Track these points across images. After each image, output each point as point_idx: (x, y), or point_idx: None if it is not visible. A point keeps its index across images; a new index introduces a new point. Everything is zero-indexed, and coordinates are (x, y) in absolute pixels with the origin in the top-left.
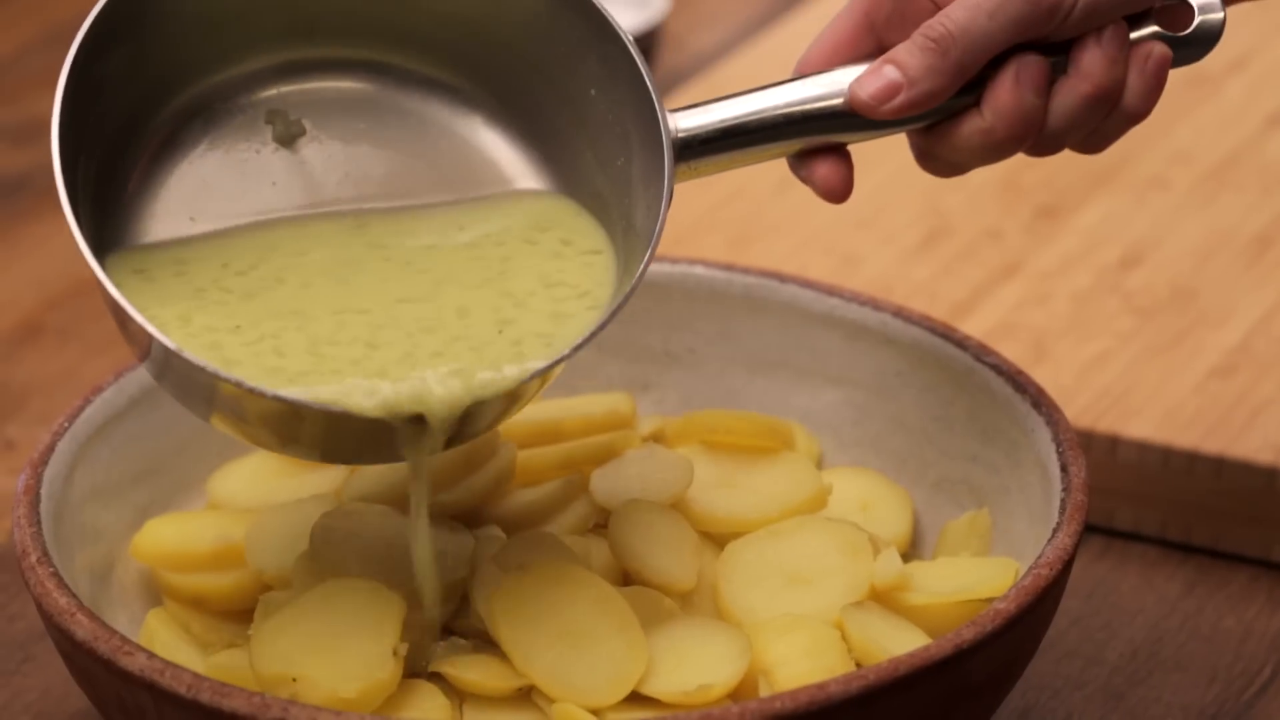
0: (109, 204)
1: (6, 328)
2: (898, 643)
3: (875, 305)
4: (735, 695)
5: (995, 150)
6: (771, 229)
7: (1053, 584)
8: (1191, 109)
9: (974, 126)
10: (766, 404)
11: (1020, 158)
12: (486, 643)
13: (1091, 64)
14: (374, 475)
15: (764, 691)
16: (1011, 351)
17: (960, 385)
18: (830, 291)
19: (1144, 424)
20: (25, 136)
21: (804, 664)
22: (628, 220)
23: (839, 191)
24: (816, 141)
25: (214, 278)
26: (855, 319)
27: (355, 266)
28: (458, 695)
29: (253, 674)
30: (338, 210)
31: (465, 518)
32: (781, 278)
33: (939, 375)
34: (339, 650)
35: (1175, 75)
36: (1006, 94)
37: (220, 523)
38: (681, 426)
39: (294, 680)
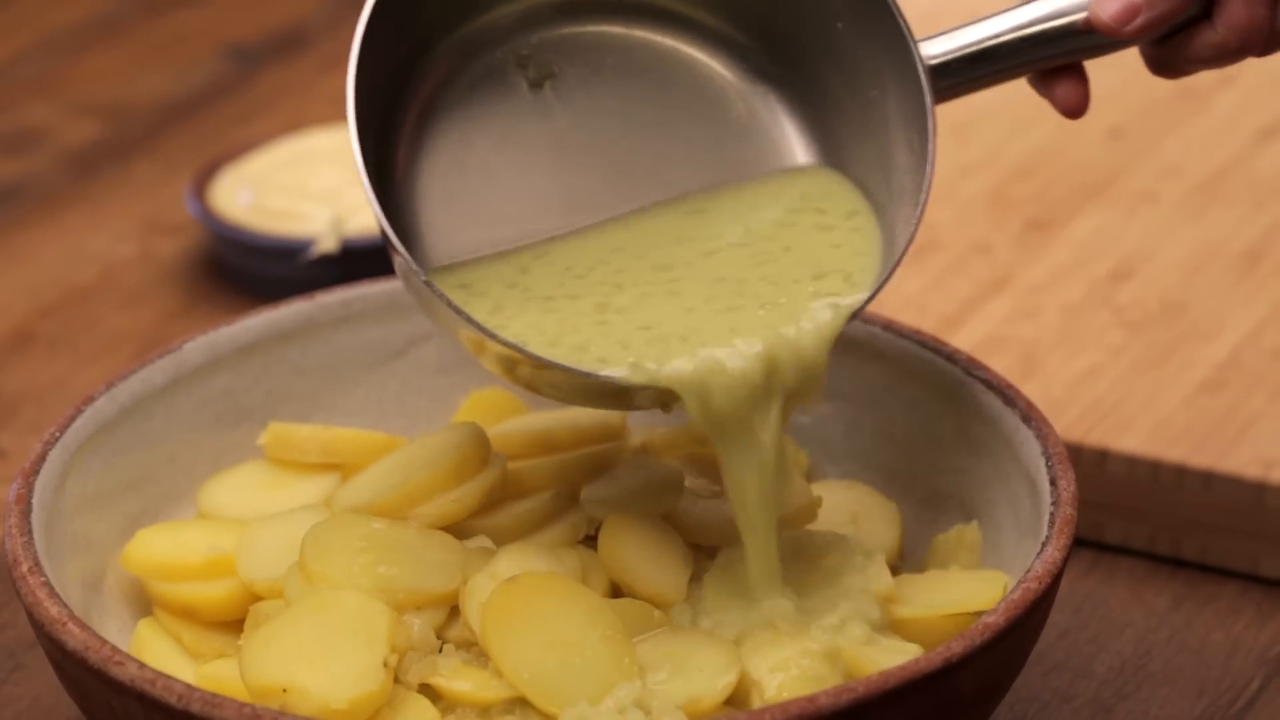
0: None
1: None
2: (887, 655)
3: (865, 319)
4: (725, 707)
5: (1227, 58)
6: None
7: (1042, 597)
8: (1181, 122)
9: (1206, 40)
10: None
11: (1009, 170)
12: (477, 654)
13: None
14: (364, 486)
15: (754, 704)
16: (1001, 365)
17: (950, 399)
18: None
19: (1133, 438)
20: (18, 145)
21: (793, 676)
22: (887, 164)
23: (1078, 108)
24: (1058, 60)
25: (550, 289)
26: (846, 332)
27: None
28: (448, 706)
29: (243, 684)
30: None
31: (456, 529)
32: None
33: (929, 389)
34: (330, 661)
35: (1165, 88)
36: (1240, 9)
37: (211, 533)
38: (672, 438)
39: (284, 691)
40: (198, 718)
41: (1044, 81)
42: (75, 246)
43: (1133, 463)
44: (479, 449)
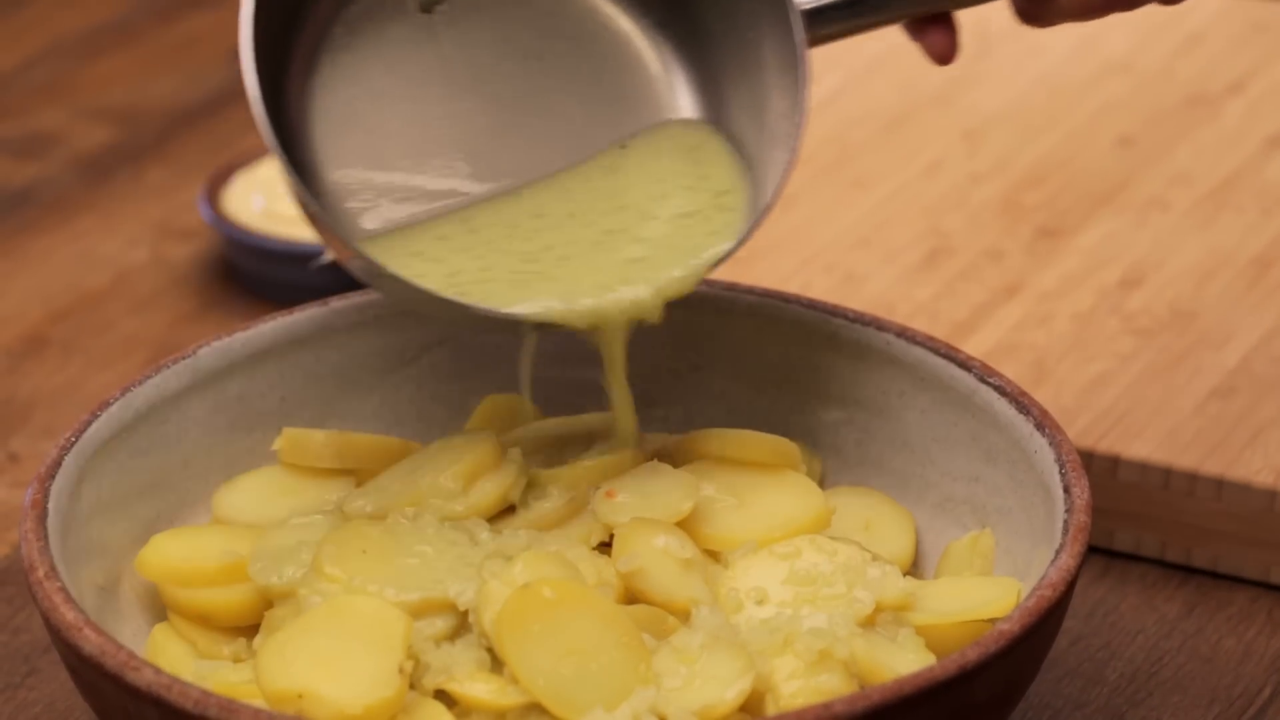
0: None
1: (10, 341)
2: (902, 663)
3: (879, 325)
4: (740, 714)
5: (1094, 12)
6: (774, 247)
7: (1056, 605)
8: (1191, 130)
9: None
10: (769, 423)
11: (1021, 179)
12: (492, 660)
13: None
14: (379, 491)
15: (769, 710)
16: (1012, 372)
17: (963, 406)
18: (833, 312)
19: (1144, 445)
20: (29, 149)
21: (808, 683)
22: (761, 108)
23: (947, 55)
24: (930, 8)
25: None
26: (858, 339)
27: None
28: (463, 712)
29: (259, 690)
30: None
31: (470, 536)
32: (785, 297)
33: (942, 396)
34: (345, 666)
35: (1175, 97)
36: None
37: (226, 538)
38: (685, 445)
39: (300, 696)
40: None
41: (916, 29)
42: (87, 251)
43: (1144, 470)
44: (493, 454)
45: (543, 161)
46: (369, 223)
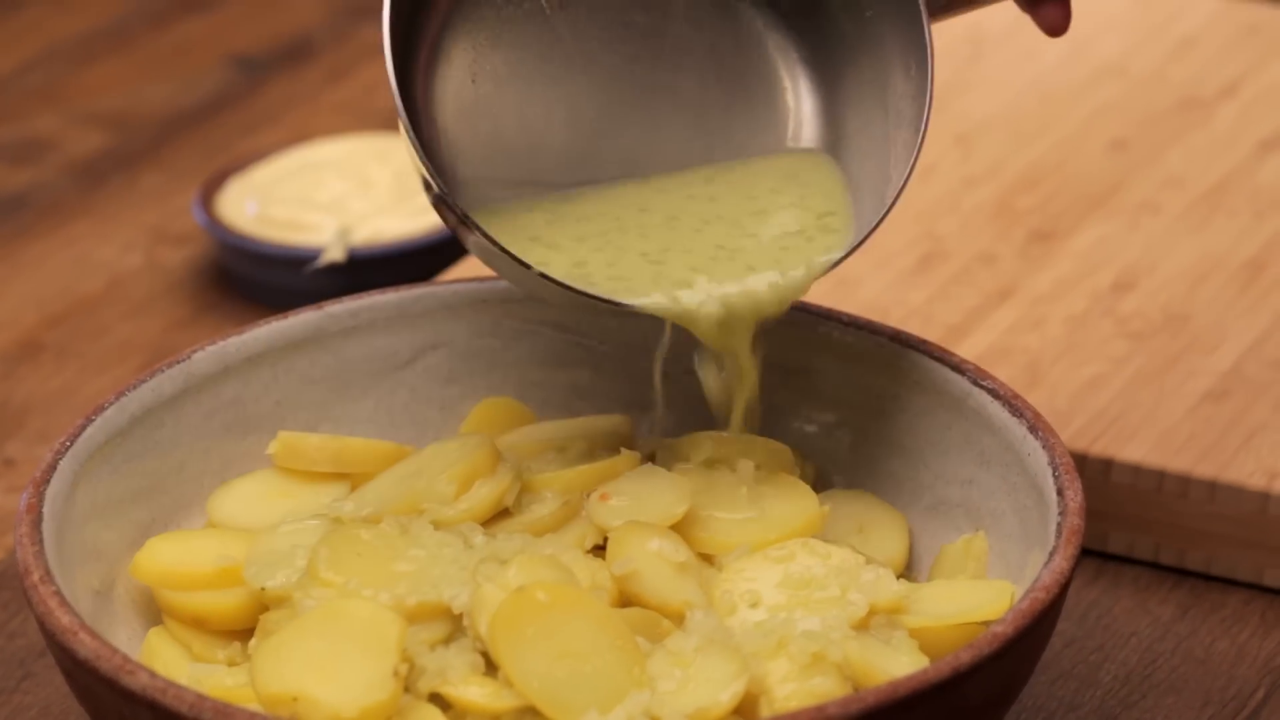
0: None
1: (5, 346)
2: (896, 665)
3: (872, 329)
4: (734, 717)
5: None
6: None
7: (1050, 607)
8: (1183, 134)
9: None
10: (764, 426)
11: (1014, 183)
12: (486, 663)
13: None
14: (373, 495)
15: (763, 713)
16: (1005, 375)
17: (957, 409)
18: (827, 315)
19: (1138, 447)
20: (25, 154)
21: (802, 686)
22: (884, 88)
23: (1061, 27)
24: None
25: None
26: (852, 343)
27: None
28: (458, 715)
29: (254, 693)
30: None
31: (465, 539)
32: None
33: (936, 399)
34: (339, 670)
35: (1167, 100)
36: None
37: (220, 542)
38: (679, 448)
39: (295, 700)
40: None
41: (1030, 2)
42: (82, 256)
43: (1137, 472)
44: (488, 458)
45: (651, 158)
46: (484, 202)
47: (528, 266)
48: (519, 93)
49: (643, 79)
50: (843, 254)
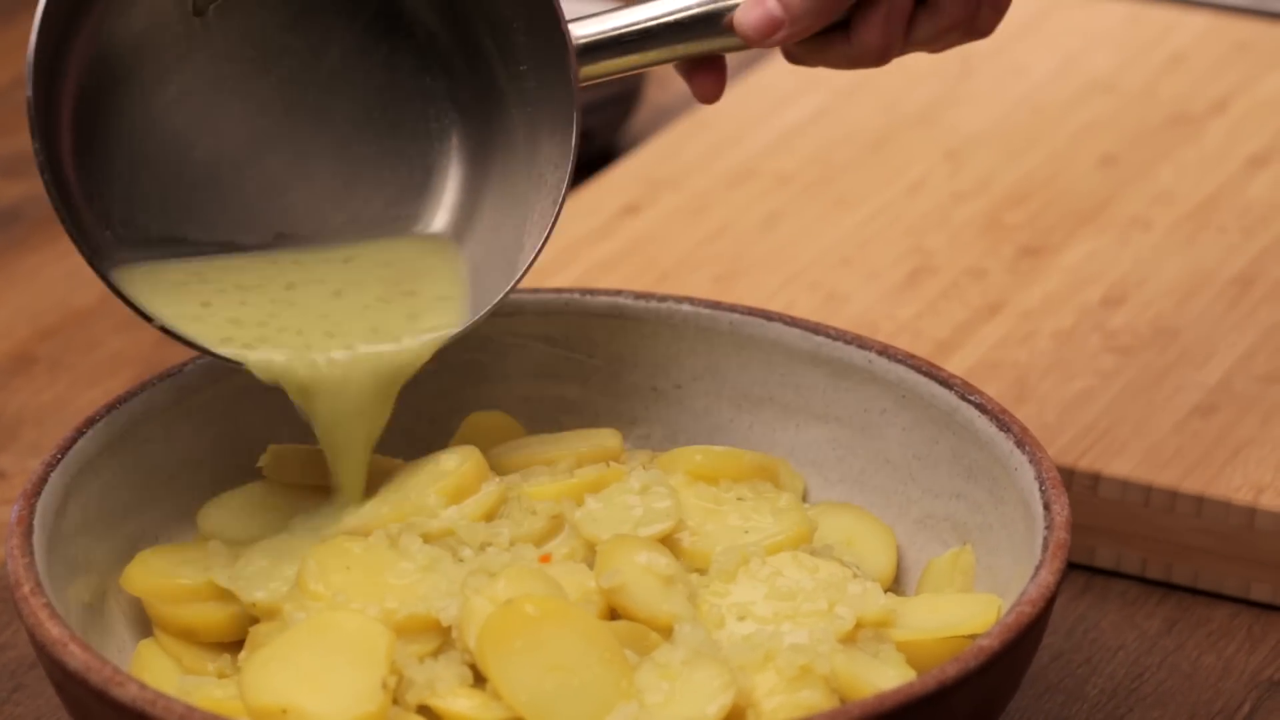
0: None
1: None
2: (882, 678)
3: (860, 343)
4: None
5: (853, 66)
6: (757, 265)
7: (1035, 621)
8: (1173, 150)
9: (840, 51)
10: (752, 440)
11: (1004, 198)
12: (474, 676)
13: (951, 3)
14: (363, 508)
15: None
16: (994, 389)
17: (944, 423)
18: (816, 329)
19: (1125, 462)
20: (18, 168)
21: (789, 699)
22: (533, 150)
23: (713, 96)
24: (701, 50)
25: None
26: (841, 357)
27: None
28: None
29: (243, 705)
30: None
31: (454, 552)
32: (768, 315)
33: (923, 413)
34: (328, 682)
35: (1157, 116)
36: (875, 33)
37: (211, 554)
38: (668, 461)
39: (284, 711)
40: None
41: (686, 70)
42: (76, 269)
43: (1125, 487)
44: (477, 471)
45: (295, 224)
46: (132, 250)
47: (149, 319)
48: (171, 123)
49: (296, 103)
50: (457, 330)
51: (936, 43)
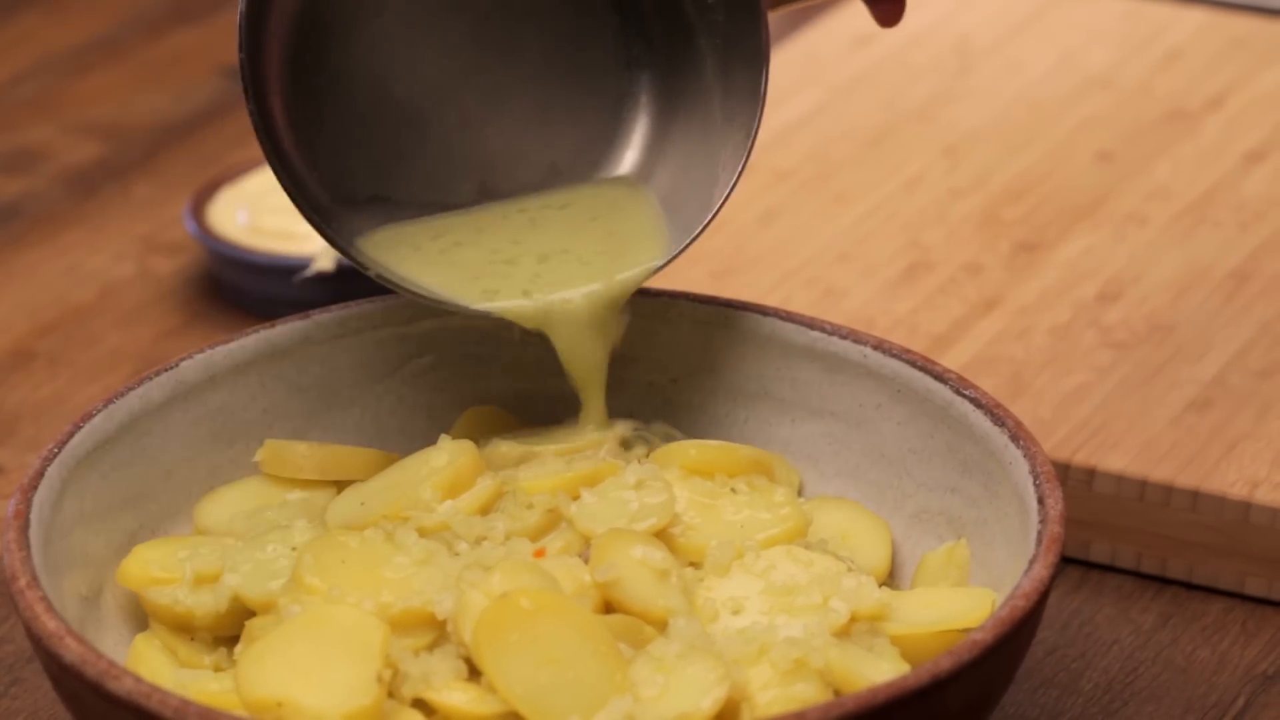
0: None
1: None
2: (876, 671)
3: (856, 338)
4: None
5: None
6: (754, 261)
7: (1029, 615)
8: (1170, 145)
9: None
10: (747, 434)
11: (1001, 194)
12: (469, 669)
13: None
14: (359, 502)
15: (744, 719)
16: (990, 384)
17: (939, 418)
18: (811, 324)
19: (1121, 457)
20: (16, 164)
21: (784, 692)
22: (726, 84)
23: (892, 20)
24: None
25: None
26: (836, 351)
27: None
28: None
29: (239, 699)
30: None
31: (449, 545)
32: (764, 310)
33: (918, 408)
34: (324, 675)
35: (1154, 112)
36: None
37: (207, 548)
38: (664, 456)
39: (279, 705)
40: None
41: None
42: (74, 265)
43: (1120, 481)
44: (473, 465)
45: (500, 179)
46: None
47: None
48: (372, 68)
49: (489, 41)
50: (663, 261)
51: None
